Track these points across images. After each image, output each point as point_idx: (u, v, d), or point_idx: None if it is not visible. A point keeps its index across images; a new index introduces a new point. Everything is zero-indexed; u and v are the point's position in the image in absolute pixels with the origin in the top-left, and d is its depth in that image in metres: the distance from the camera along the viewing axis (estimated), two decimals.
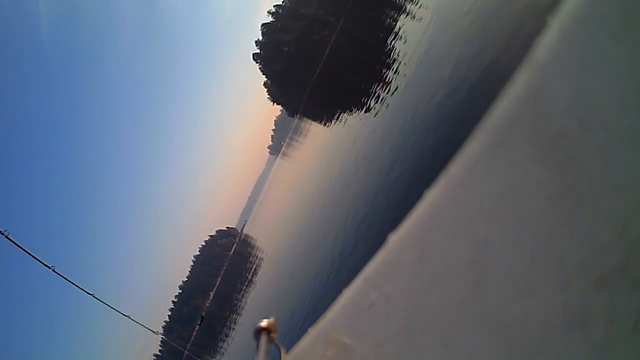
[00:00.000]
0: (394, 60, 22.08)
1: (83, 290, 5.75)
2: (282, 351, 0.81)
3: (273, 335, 0.86)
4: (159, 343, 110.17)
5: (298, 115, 67.00)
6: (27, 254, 4.30)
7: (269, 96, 64.16)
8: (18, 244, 4.06)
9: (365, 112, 22.05)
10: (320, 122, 50.21)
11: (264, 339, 0.84)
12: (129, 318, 7.63)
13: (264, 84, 63.09)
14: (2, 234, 3.83)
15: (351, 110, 28.19)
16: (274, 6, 59.51)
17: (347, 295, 0.72)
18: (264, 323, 0.87)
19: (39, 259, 4.50)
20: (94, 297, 6.00)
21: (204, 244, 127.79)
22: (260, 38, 58.10)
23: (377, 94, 21.19)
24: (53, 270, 4.77)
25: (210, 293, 74.73)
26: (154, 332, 9.27)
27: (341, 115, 32.97)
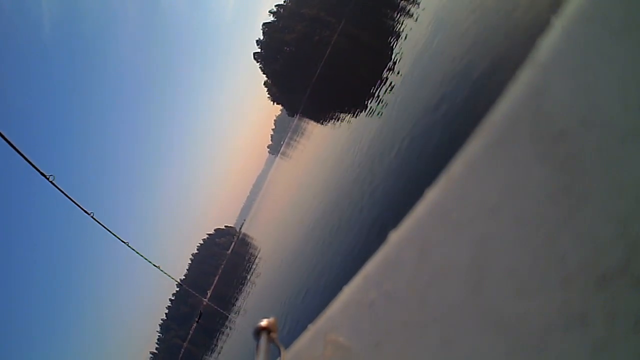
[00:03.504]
0: (395, 61, 22.10)
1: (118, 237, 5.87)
2: (282, 351, 0.81)
3: (273, 335, 0.86)
4: (156, 341, 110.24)
5: (298, 115, 67.02)
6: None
7: (269, 95, 64.22)
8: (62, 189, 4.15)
9: (366, 112, 22.04)
10: (320, 122, 50.21)
11: (264, 338, 0.84)
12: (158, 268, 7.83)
13: (264, 84, 63.13)
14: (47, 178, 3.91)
15: (351, 111, 28.19)
16: (276, 6, 59.55)
17: (348, 292, 0.72)
18: (264, 323, 0.87)
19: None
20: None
21: (202, 242, 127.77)
22: (261, 37, 58.12)
23: (377, 94, 21.18)
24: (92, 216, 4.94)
25: (208, 292, 74.68)
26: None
27: (341, 115, 32.97)
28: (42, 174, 3.82)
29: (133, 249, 6.41)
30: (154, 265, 7.63)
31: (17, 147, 3.33)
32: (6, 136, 3.14)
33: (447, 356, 0.57)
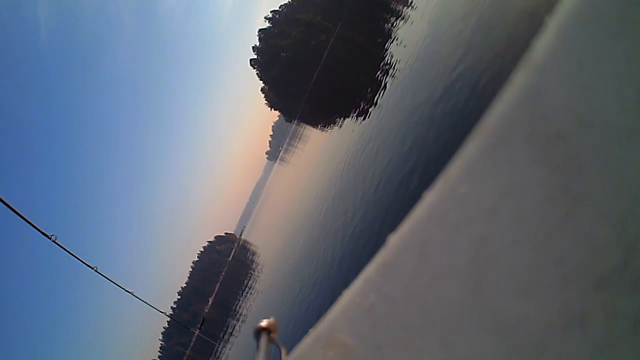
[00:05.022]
0: (391, 64, 22.14)
1: (120, 286, 6.01)
2: (283, 351, 0.81)
3: (273, 335, 0.86)
4: (158, 349, 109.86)
5: (295, 121, 67.04)
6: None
7: (266, 102, 64.29)
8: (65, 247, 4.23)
9: (363, 116, 22.07)
10: (318, 127, 50.24)
11: (264, 339, 0.85)
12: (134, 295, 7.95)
13: (261, 90, 63.20)
14: (50, 238, 3.98)
15: (349, 115, 28.21)
16: (271, 12, 59.74)
17: (348, 296, 0.71)
18: (264, 323, 0.88)
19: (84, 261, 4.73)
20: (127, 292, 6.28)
21: (202, 250, 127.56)
22: (258, 44, 58.25)
23: (374, 98, 21.21)
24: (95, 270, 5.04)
25: (210, 299, 74.48)
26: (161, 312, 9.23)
27: (339, 119, 33.01)
28: (44, 234, 3.91)
29: (138, 298, 6.61)
30: (160, 312, 7.81)
31: (18, 212, 3.43)
32: (7, 202, 3.25)
33: (448, 358, 0.57)
